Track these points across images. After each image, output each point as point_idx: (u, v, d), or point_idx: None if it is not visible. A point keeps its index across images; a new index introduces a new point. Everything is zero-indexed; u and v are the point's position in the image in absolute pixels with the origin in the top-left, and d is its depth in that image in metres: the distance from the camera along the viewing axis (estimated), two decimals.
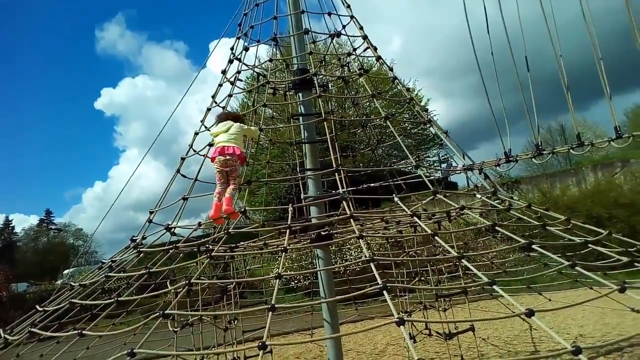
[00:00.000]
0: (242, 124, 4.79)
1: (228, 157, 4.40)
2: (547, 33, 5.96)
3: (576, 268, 2.97)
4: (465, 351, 7.68)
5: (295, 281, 17.49)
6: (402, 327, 2.46)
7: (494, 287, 2.79)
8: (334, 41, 5.67)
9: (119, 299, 3.64)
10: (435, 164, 27.44)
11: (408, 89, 5.85)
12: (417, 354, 7.92)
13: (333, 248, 11.58)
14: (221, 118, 4.95)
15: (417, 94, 27.87)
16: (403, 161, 25.20)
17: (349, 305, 12.14)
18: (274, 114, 10.51)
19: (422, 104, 28.08)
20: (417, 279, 6.32)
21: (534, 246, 3.23)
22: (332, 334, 5.50)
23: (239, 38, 6.02)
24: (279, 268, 3.28)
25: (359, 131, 22.67)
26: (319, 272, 5.76)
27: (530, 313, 2.50)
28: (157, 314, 3.07)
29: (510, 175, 18.57)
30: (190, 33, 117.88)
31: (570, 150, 6.02)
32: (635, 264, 3.48)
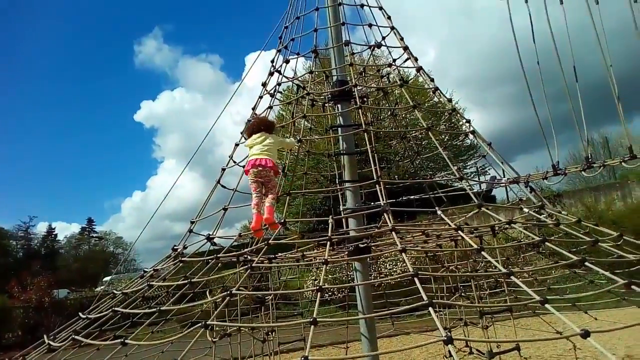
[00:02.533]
0: (277, 137, 4.76)
1: (260, 169, 4.39)
2: (589, 41, 5.75)
3: (632, 287, 2.81)
4: None
5: (329, 293, 17.40)
6: (449, 345, 2.38)
7: (546, 305, 2.66)
8: (373, 53, 5.64)
9: (162, 308, 3.68)
10: (473, 176, 26.92)
11: (450, 100, 5.75)
12: None
13: (369, 261, 11.46)
14: (254, 127, 4.92)
15: (455, 104, 27.51)
16: (442, 173, 24.86)
17: (385, 319, 11.97)
18: (311, 125, 10.56)
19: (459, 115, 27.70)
20: (457, 294, 6.16)
21: (587, 263, 3.08)
22: (370, 349, 5.41)
23: (279, 51, 6.09)
24: (314, 280, 3.26)
25: (394, 143, 22.55)
26: (357, 286, 5.69)
27: (586, 334, 2.38)
28: (200, 324, 3.08)
29: (552, 188, 18.01)
30: (224, 46, 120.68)
31: (622, 162, 5.70)
32: None
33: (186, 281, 3.87)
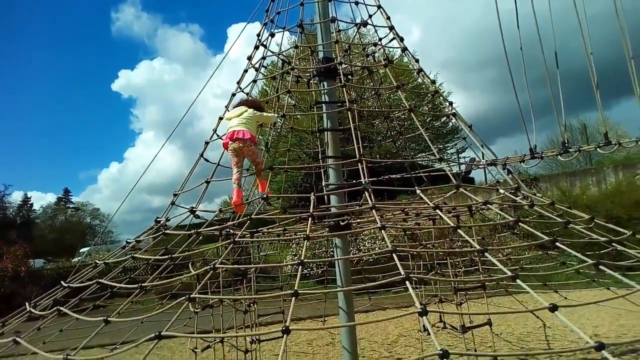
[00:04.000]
0: (256, 111, 4.74)
1: (239, 142, 4.38)
2: (573, 27, 5.81)
3: (600, 267, 2.95)
4: (478, 346, 7.70)
5: (309, 269, 17.58)
6: (424, 317, 2.49)
7: (517, 281, 2.79)
8: (359, 31, 5.63)
9: (143, 284, 3.72)
10: (453, 157, 27.21)
11: (433, 81, 5.80)
12: (432, 346, 7.98)
13: (349, 238, 11.64)
14: (239, 104, 4.92)
15: (438, 86, 27.57)
16: (423, 154, 25.04)
17: (362, 295, 12.22)
18: (295, 102, 10.50)
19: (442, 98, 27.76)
20: (433, 271, 6.33)
21: (558, 244, 3.22)
22: (347, 322, 5.56)
23: (265, 24, 6.03)
24: (294, 255, 3.34)
25: (376, 123, 22.58)
26: (336, 261, 5.80)
27: (553, 307, 2.51)
28: (183, 297, 3.14)
29: (529, 172, 18.39)
30: (204, 16, 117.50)
31: (597, 148, 5.85)
32: None
33: (167, 255, 3.90)
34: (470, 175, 25.65)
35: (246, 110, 4.71)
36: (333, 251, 6.50)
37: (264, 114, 5.03)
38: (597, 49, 5.92)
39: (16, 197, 65.31)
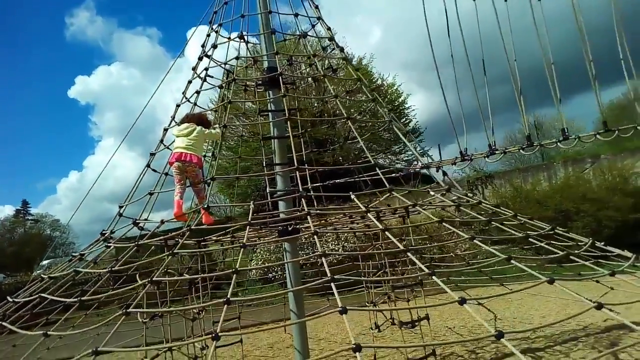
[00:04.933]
0: (203, 128, 4.88)
1: (186, 165, 4.55)
2: (530, 25, 6.05)
3: (512, 261, 3.20)
4: (431, 340, 7.98)
5: (273, 272, 17.67)
6: (344, 315, 2.66)
7: (433, 277, 3.01)
8: (304, 40, 5.80)
9: (82, 298, 3.78)
10: (412, 158, 27.73)
11: (373, 90, 6.03)
12: (384, 341, 8.20)
13: (307, 240, 11.82)
14: (186, 119, 5.04)
15: (396, 88, 28.06)
16: (383, 154, 25.46)
17: (323, 297, 12.40)
18: (243, 110, 10.59)
19: (402, 99, 28.27)
20: (382, 270, 6.56)
21: (475, 240, 3.46)
22: (297, 323, 5.75)
23: (208, 35, 6.14)
24: (253, 260, 3.47)
25: (337, 126, 22.87)
26: (286, 265, 5.96)
27: (462, 301, 2.73)
28: (120, 312, 3.23)
29: (485, 170, 19.03)
30: (162, 19, 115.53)
31: (558, 143, 6.03)
32: (571, 257, 3.74)
33: (108, 269, 3.98)
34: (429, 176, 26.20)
35: (194, 129, 4.82)
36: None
37: (212, 131, 5.13)
38: (556, 45, 6.21)
39: None
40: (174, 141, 5.05)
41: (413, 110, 28.77)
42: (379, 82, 27.32)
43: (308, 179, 4.40)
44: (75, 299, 3.75)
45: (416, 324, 6.04)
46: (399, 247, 3.33)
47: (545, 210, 15.41)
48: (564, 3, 6.12)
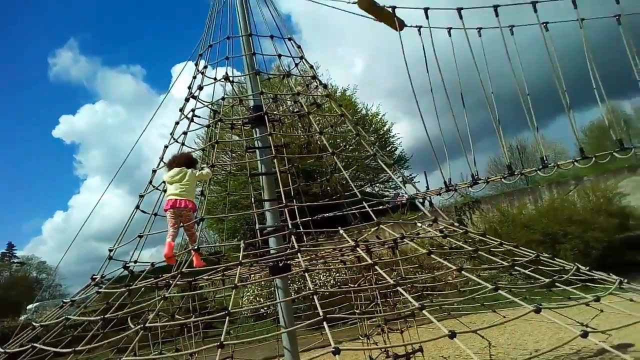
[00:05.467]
0: (194, 171, 4.95)
1: (182, 210, 4.63)
2: (502, 53, 6.23)
3: (499, 291, 3.27)
4: None
5: (265, 308, 17.44)
6: (336, 356, 2.69)
7: (424, 312, 3.05)
8: (284, 80, 5.97)
9: (76, 349, 3.75)
10: (398, 187, 27.95)
11: (363, 125, 6.16)
12: None
13: (299, 273, 11.77)
14: (174, 163, 5.08)
15: (380, 118, 28.43)
16: (359, 189, 25.55)
17: (317, 330, 12.26)
18: (230, 148, 10.70)
19: (386, 128, 28.62)
20: (374, 302, 6.57)
21: (463, 271, 3.53)
22: None
23: (194, 77, 6.28)
24: (250, 296, 3.48)
25: (324, 157, 23.04)
26: (278, 303, 5.95)
27: (452, 335, 2.77)
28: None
29: (471, 195, 19.20)
30: (146, 56, 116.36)
31: (538, 172, 6.13)
32: (557, 284, 3.82)
33: (101, 317, 3.97)
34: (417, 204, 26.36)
35: (185, 174, 4.88)
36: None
37: (202, 172, 5.19)
38: (529, 70, 6.37)
39: None
40: (163, 182, 5.10)
41: (398, 138, 29.14)
42: (363, 112, 27.74)
43: (297, 213, 4.46)
44: (70, 349, 3.70)
45: (410, 356, 6.02)
46: (389, 282, 3.38)
47: (533, 234, 15.54)
48: (537, 29, 6.35)
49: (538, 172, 6.12)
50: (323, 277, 18.14)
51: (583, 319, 6.93)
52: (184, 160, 5.07)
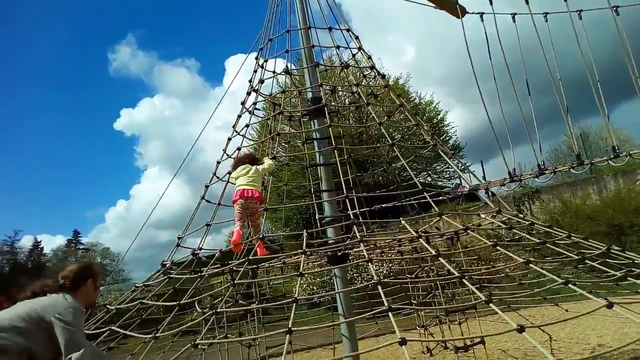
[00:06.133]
0: (258, 166, 5.17)
1: (249, 201, 4.82)
2: (566, 33, 5.92)
3: (569, 285, 3.20)
4: None
5: (318, 296, 17.69)
6: (403, 346, 2.74)
7: (491, 305, 3.04)
8: (343, 71, 6.01)
9: (157, 335, 3.98)
10: (455, 177, 27.37)
11: (416, 113, 6.12)
12: None
13: (354, 263, 11.88)
14: (239, 161, 5.35)
15: (434, 106, 27.95)
16: (413, 181, 25.15)
17: (371, 320, 12.32)
18: (289, 139, 10.90)
19: (440, 116, 28.11)
20: (432, 293, 6.55)
21: (531, 264, 3.47)
22: (350, 349, 5.78)
23: (255, 71, 6.43)
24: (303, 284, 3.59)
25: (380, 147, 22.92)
26: (337, 292, 6.05)
27: (521, 329, 2.75)
28: (189, 345, 3.42)
29: (531, 185, 18.56)
30: (200, 50, 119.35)
31: (609, 161, 5.80)
32: (629, 278, 3.68)
33: (175, 304, 4.19)
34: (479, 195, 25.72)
35: (251, 169, 5.12)
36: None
37: (264, 166, 5.38)
38: (593, 51, 6.03)
39: (26, 241, 65.55)
40: (228, 173, 5.31)
41: (452, 127, 28.58)
42: (417, 100, 27.32)
43: (356, 204, 4.52)
44: (150, 337, 3.93)
45: (469, 348, 5.98)
46: (453, 274, 3.38)
47: (597, 226, 14.87)
48: (601, 13, 6.00)
49: (609, 161, 5.79)
50: (377, 266, 18.19)
51: None
52: (248, 160, 5.31)
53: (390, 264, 16.26)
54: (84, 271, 3.46)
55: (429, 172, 26.91)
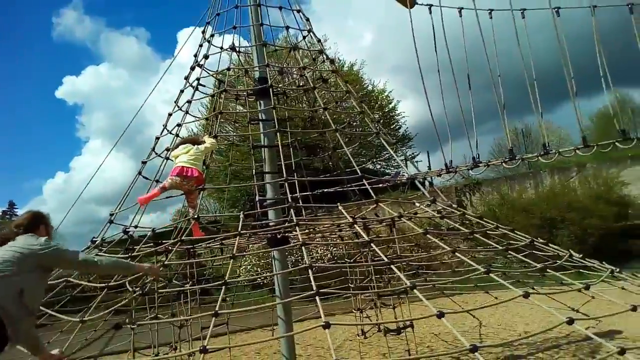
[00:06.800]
0: (199, 146, 4.97)
1: (186, 180, 4.58)
2: (513, 35, 6.11)
3: (490, 274, 3.33)
4: (417, 346, 8.10)
5: (262, 277, 17.69)
6: (326, 330, 2.77)
7: (414, 290, 3.12)
8: (295, 53, 5.93)
9: (84, 318, 3.85)
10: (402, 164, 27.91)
11: (362, 101, 6.16)
12: (371, 347, 8.29)
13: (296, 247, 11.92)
14: (182, 142, 5.15)
15: (386, 95, 28.25)
16: (361, 166, 25.52)
17: (312, 302, 12.46)
18: (235, 119, 10.70)
19: (392, 105, 28.47)
20: (368, 278, 6.69)
21: (457, 253, 3.59)
22: (285, 330, 5.83)
23: (201, 45, 6.24)
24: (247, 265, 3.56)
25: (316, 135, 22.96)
26: (275, 274, 6.06)
27: (440, 314, 2.85)
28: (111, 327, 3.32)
29: (473, 177, 19.20)
30: (151, 19, 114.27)
31: (539, 158, 6.07)
32: (548, 270, 3.89)
33: (103, 284, 4.06)
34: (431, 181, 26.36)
35: (192, 148, 4.90)
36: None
37: (207, 145, 5.18)
38: (539, 54, 6.22)
39: None
40: (166, 149, 5.14)
41: (403, 117, 28.99)
42: (370, 88, 27.52)
43: (297, 187, 4.51)
44: (78, 319, 3.80)
45: (401, 331, 6.17)
46: (383, 259, 3.45)
47: (531, 218, 15.63)
48: (547, 12, 6.22)
49: (539, 158, 6.08)
50: (320, 250, 18.35)
51: (575, 304, 7.06)
52: (190, 141, 5.11)
53: (334, 248, 16.46)
54: (35, 217, 3.45)
55: (377, 160, 27.28)
